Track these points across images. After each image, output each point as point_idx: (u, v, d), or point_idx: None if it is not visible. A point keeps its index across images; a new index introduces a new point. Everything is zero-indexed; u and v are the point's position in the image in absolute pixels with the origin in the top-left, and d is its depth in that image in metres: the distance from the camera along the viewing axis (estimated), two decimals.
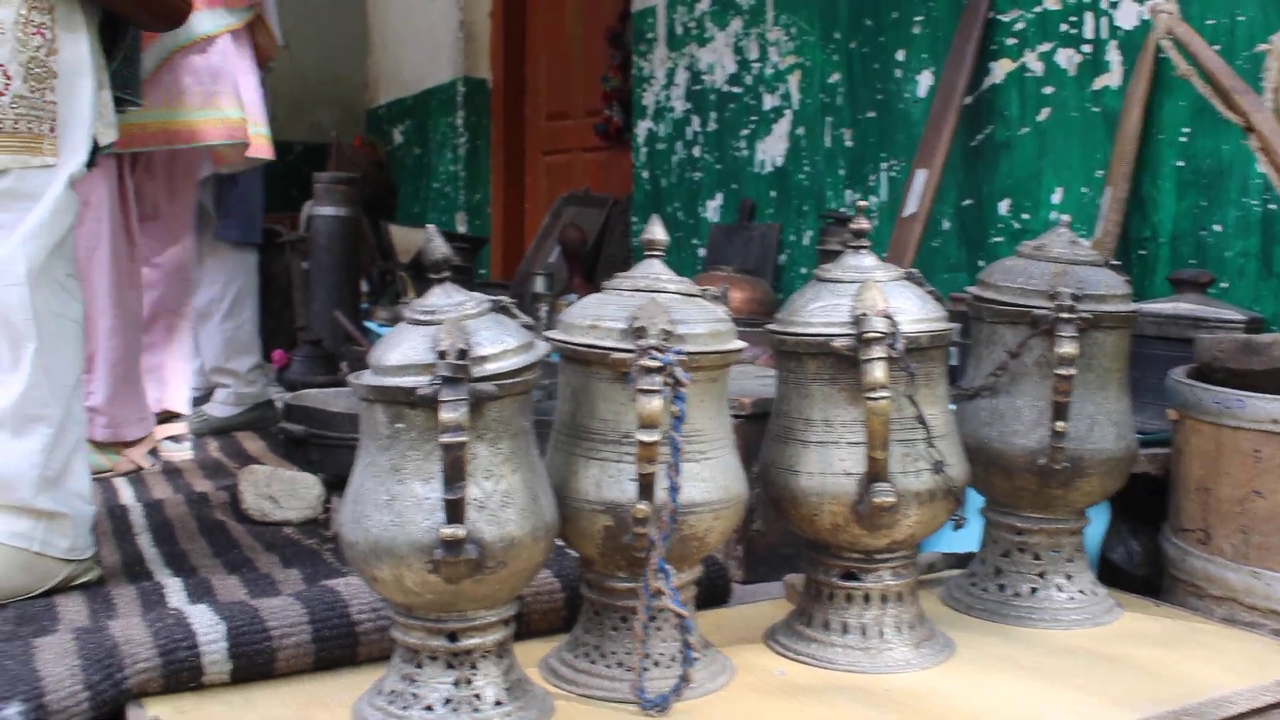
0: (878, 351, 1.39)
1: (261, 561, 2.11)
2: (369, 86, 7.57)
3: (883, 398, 1.38)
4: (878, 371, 1.39)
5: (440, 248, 1.25)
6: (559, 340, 1.36)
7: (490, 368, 1.21)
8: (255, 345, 3.65)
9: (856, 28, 3.33)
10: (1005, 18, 2.87)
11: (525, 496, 1.25)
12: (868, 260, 1.54)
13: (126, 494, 2.69)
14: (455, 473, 1.15)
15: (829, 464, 1.47)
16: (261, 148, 2.98)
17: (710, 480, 1.37)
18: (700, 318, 1.36)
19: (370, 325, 5.45)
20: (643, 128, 4.34)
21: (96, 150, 2.09)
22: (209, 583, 1.95)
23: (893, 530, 1.47)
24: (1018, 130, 2.85)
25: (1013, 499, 1.71)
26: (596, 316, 1.35)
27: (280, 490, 2.44)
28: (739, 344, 1.41)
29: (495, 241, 5.84)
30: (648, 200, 4.30)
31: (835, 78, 3.41)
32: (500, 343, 1.23)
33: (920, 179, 2.90)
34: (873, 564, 1.51)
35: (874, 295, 1.45)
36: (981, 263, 2.90)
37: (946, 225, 3.04)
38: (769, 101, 3.68)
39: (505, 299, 1.29)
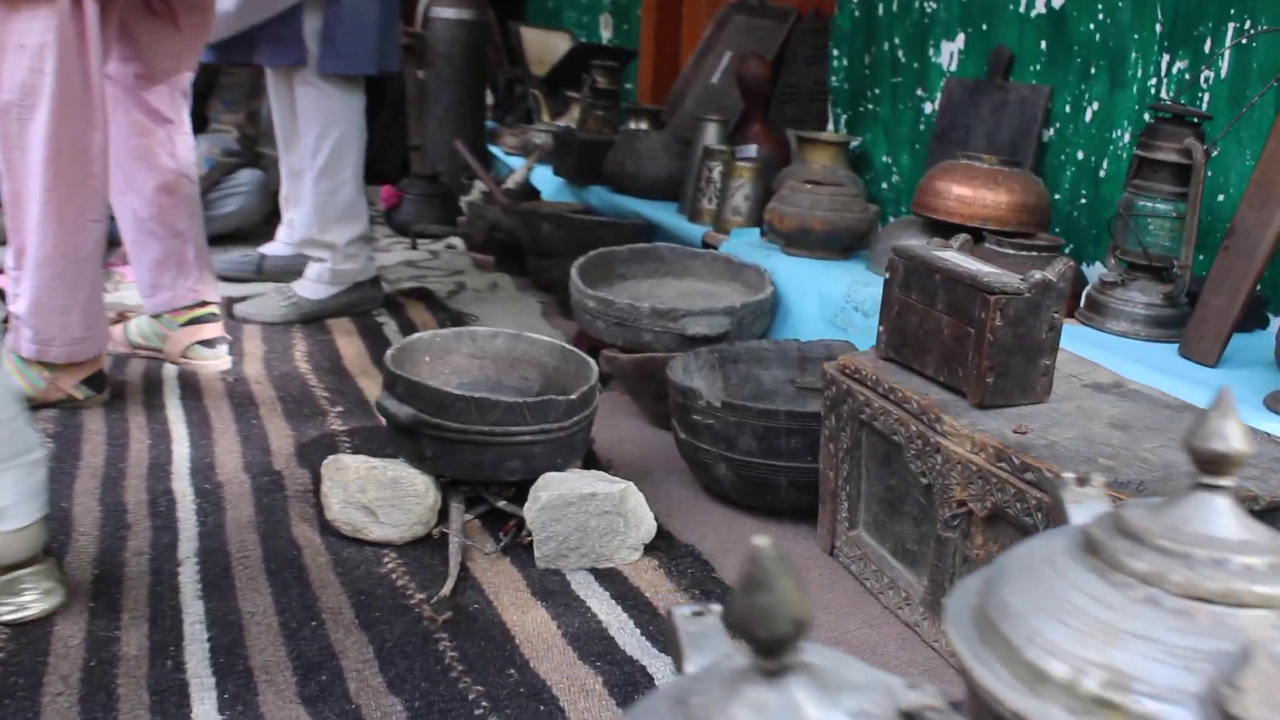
0: None
1: (351, 659, 1.41)
2: None
3: None
4: None
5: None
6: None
7: None
8: (358, 210, 2.89)
9: None
10: None
11: None
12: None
13: (180, 455, 2.01)
14: None
15: None
16: None
17: None
18: None
19: (496, 152, 4.65)
20: None
21: None
22: None
23: None
24: None
25: None
26: (1117, 674, 0.55)
27: (378, 498, 1.72)
28: None
29: (645, 54, 4.91)
30: (857, 30, 3.34)
31: None
32: None
33: None
34: None
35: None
36: None
37: None
38: None
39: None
